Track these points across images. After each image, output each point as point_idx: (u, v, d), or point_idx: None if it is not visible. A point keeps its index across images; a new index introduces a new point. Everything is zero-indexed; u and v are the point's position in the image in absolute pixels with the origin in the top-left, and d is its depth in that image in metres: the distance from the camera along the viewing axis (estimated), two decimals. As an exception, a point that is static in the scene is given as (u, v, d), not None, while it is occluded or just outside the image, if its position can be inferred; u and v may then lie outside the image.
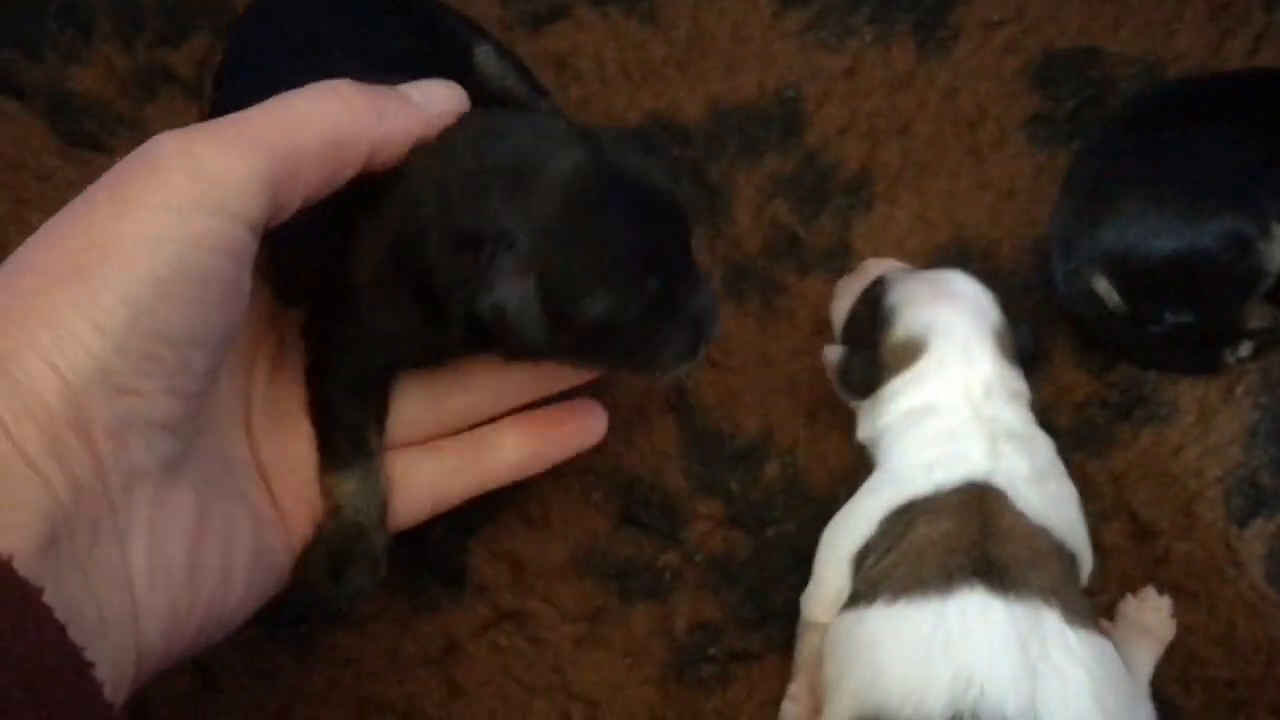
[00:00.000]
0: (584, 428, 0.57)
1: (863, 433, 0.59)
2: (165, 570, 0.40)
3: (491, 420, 0.55)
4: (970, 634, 0.48)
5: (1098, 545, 0.59)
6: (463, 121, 0.47)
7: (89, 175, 0.67)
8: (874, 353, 0.57)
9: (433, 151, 0.46)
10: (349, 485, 0.51)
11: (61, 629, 0.33)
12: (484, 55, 0.64)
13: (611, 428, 0.63)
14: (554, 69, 0.70)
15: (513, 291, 0.44)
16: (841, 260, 0.67)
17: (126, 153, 0.66)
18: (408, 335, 0.48)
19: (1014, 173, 0.69)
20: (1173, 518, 0.63)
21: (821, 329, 0.65)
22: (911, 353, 0.57)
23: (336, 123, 0.43)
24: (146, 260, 0.38)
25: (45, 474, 0.36)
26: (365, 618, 0.60)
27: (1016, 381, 0.58)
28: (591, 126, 0.47)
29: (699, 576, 0.62)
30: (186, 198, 0.39)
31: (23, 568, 0.33)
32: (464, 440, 0.55)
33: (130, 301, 0.37)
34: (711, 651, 0.60)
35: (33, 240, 0.39)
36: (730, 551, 0.62)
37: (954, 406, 0.55)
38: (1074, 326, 0.66)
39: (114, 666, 0.37)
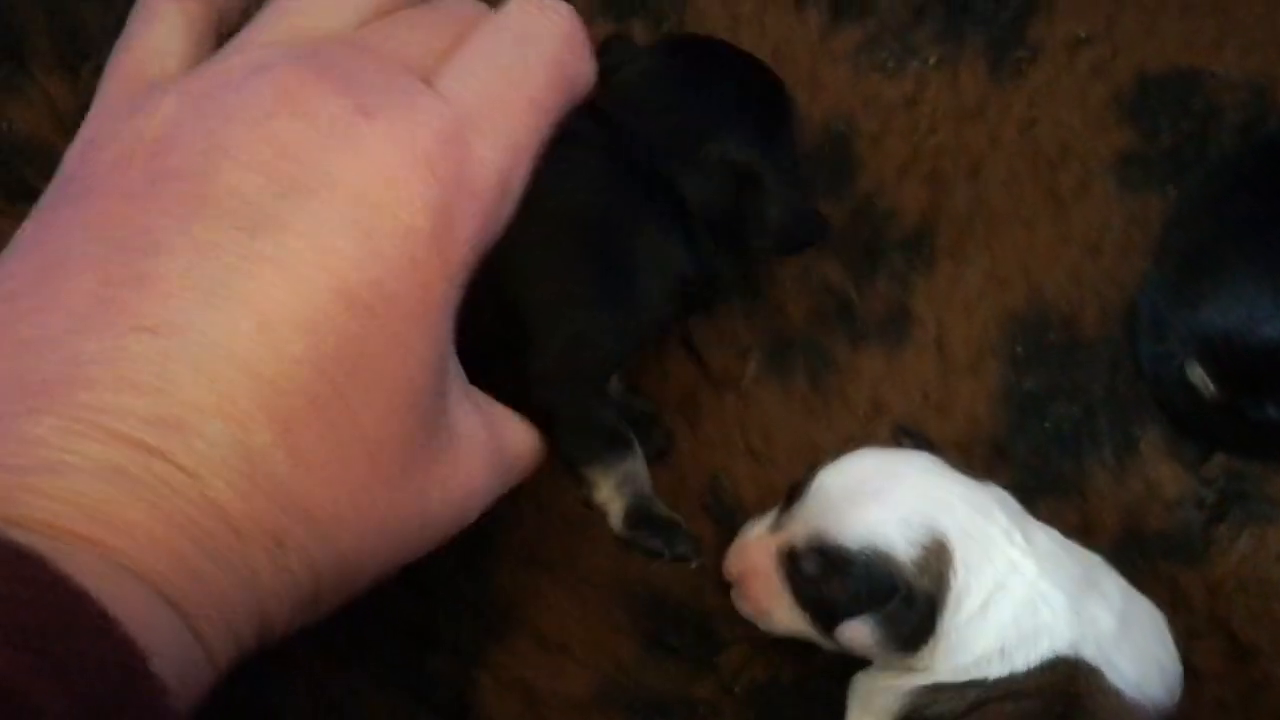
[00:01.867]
0: None
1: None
2: None
3: None
4: None
5: (1188, 668, 0.52)
6: None
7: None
8: (906, 595, 0.47)
9: None
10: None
11: None
12: None
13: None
14: (569, 94, 0.60)
15: None
16: (901, 329, 0.58)
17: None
18: None
19: (1101, 223, 0.59)
20: (1274, 636, 0.56)
21: (878, 411, 0.57)
22: (941, 557, 0.47)
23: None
24: None
25: None
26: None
27: (1000, 493, 0.49)
28: None
29: (738, 711, 0.54)
30: None
31: None
32: None
33: None
34: (753, 804, 0.53)
35: None
36: (773, 678, 0.55)
37: (1016, 567, 0.47)
38: (1166, 411, 0.57)
39: None
